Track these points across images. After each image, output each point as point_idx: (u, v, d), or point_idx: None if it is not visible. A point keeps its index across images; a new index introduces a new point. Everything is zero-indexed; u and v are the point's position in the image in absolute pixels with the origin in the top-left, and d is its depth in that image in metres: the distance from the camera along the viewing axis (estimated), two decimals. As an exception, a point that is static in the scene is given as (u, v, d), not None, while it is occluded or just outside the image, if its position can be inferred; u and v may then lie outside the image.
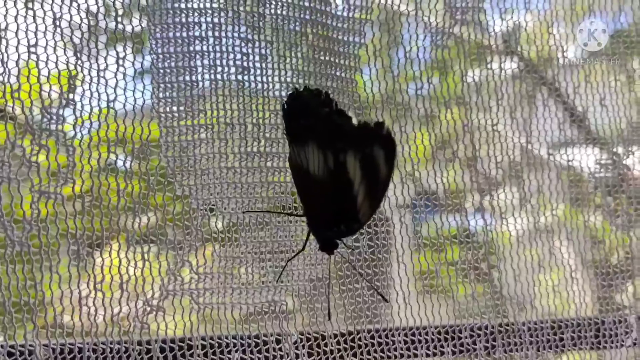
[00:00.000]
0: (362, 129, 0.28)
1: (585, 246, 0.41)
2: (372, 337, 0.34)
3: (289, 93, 0.32)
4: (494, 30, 0.40)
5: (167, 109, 0.33)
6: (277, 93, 0.34)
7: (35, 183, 0.30)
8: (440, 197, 0.38)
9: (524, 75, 0.40)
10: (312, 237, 0.31)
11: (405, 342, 0.35)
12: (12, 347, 0.29)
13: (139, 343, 0.31)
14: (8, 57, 0.30)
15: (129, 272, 0.31)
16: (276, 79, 0.34)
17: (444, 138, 0.38)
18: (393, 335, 0.34)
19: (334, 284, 0.34)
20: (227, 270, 0.33)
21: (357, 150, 0.28)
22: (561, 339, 0.38)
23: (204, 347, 0.32)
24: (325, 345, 0.33)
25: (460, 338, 0.36)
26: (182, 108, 0.33)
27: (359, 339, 0.34)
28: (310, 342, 0.33)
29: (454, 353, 0.36)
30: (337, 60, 0.35)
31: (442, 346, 0.36)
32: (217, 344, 0.32)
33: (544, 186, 0.40)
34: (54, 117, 0.31)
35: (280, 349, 0.33)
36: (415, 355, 0.35)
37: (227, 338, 0.32)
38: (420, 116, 0.37)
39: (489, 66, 0.39)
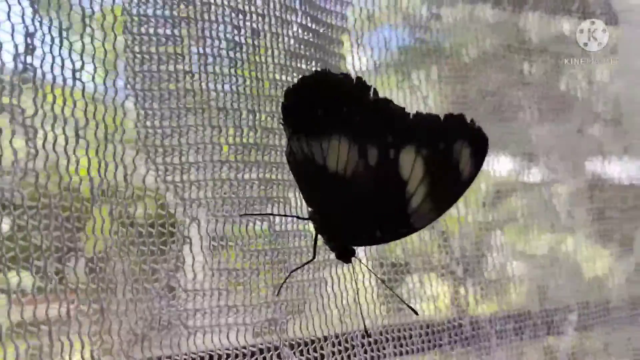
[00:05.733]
0: (437, 122, 0.24)
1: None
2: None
3: (303, 76, 0.27)
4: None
5: (145, 86, 0.26)
6: (270, 76, 0.29)
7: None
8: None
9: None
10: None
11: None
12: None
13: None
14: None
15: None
16: (270, 59, 0.29)
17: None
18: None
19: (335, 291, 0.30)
20: (220, 285, 0.27)
21: (421, 145, 0.24)
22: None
23: None
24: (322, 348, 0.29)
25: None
26: (164, 85, 0.26)
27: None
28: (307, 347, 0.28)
29: None
30: (323, 44, 0.31)
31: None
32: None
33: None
34: (7, 86, 0.23)
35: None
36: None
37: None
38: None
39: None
